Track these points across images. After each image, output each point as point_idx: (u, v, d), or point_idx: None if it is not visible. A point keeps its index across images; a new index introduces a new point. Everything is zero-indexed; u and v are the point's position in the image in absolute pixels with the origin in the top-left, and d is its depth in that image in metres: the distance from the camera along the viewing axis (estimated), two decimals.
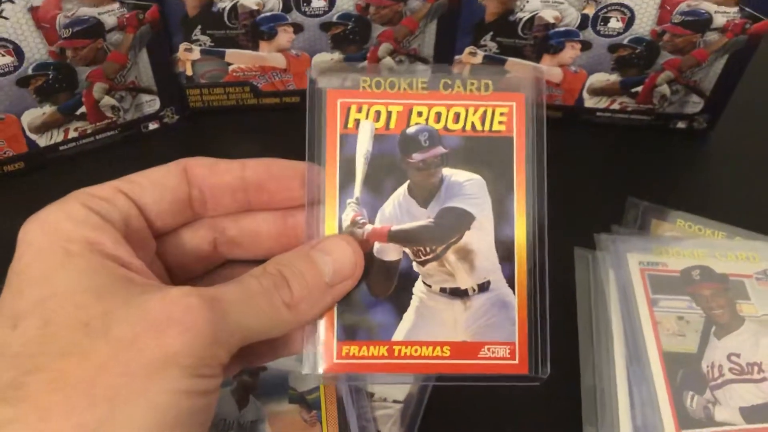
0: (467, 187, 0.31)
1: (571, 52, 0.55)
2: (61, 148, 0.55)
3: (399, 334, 0.30)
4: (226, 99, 0.59)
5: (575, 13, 0.53)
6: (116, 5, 0.49)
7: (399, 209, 0.31)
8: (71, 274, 0.26)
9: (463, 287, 0.31)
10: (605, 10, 0.52)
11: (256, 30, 0.54)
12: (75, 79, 0.52)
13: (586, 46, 0.55)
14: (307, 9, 0.53)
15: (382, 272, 0.31)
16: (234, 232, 0.32)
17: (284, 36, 0.55)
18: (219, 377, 0.26)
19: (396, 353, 0.30)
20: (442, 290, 0.31)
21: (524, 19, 0.53)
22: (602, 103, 0.59)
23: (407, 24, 0.55)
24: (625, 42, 0.54)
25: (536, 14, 0.53)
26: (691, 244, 0.50)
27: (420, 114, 0.31)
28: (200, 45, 0.55)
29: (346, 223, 0.31)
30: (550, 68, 0.56)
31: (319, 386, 0.43)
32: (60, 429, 0.23)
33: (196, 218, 0.32)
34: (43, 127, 0.53)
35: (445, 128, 0.31)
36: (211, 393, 0.26)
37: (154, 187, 0.30)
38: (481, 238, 0.31)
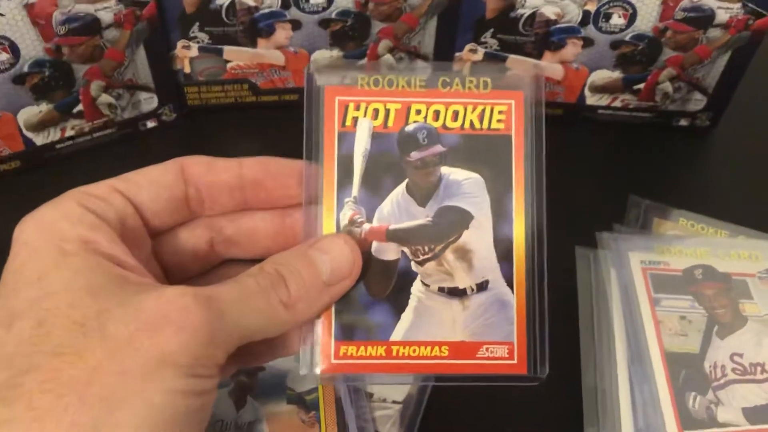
0: (466, 185, 0.31)
1: (572, 48, 0.55)
2: (58, 146, 0.54)
3: (397, 334, 0.30)
4: (225, 97, 0.59)
5: (576, 9, 0.52)
6: (113, 2, 0.49)
7: (397, 208, 0.31)
8: (66, 273, 0.26)
9: (461, 287, 0.31)
10: (607, 6, 0.52)
11: (254, 27, 0.54)
12: (72, 76, 0.51)
13: (587, 42, 0.54)
14: (305, 5, 0.53)
15: (380, 272, 0.31)
16: (231, 231, 0.32)
17: (282, 33, 0.55)
18: (215, 377, 0.26)
19: (394, 353, 0.30)
20: (441, 290, 0.31)
21: (525, 16, 0.53)
22: (604, 100, 0.59)
23: (407, 21, 0.55)
24: (627, 39, 0.54)
25: (537, 11, 0.53)
26: (693, 242, 0.50)
27: (418, 112, 0.31)
28: (198, 42, 0.55)
29: (344, 222, 0.30)
30: (551, 65, 0.56)
31: (318, 387, 0.43)
32: (54, 429, 0.23)
33: (192, 217, 0.32)
34: (39, 126, 0.53)
35: (444, 126, 0.31)
36: (207, 393, 0.26)
37: (151, 185, 0.30)
38: (479, 237, 0.31)
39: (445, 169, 0.31)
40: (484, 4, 0.52)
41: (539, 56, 0.56)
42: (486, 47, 0.55)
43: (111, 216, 0.28)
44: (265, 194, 0.32)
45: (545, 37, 0.54)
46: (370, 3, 0.53)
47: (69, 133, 0.54)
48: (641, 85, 0.57)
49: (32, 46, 0.48)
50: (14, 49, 0.48)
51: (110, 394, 0.23)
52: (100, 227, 0.27)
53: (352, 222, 0.30)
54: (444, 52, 0.56)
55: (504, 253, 0.31)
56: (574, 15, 0.53)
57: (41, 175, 0.54)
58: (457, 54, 0.56)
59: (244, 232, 0.32)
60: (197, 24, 0.54)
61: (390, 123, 0.31)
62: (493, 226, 0.31)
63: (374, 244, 0.31)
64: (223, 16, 0.53)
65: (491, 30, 0.54)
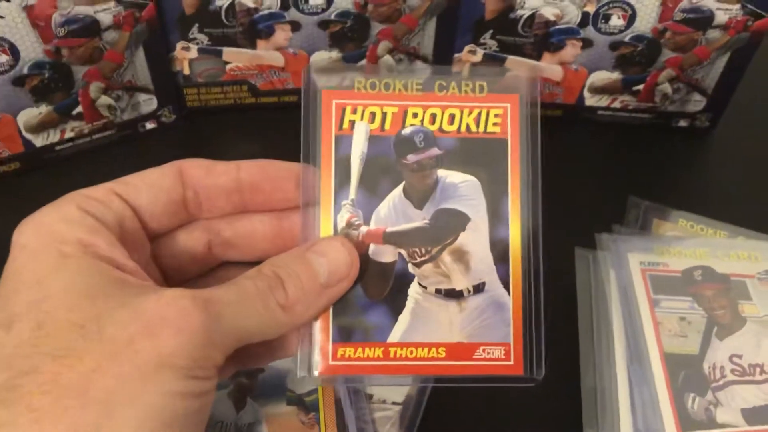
0: (462, 188, 0.31)
1: (571, 50, 0.55)
2: (57, 148, 0.55)
3: (394, 336, 0.30)
4: (224, 98, 0.59)
5: (576, 10, 0.52)
6: (112, 3, 0.49)
7: (394, 211, 0.31)
8: (65, 275, 0.26)
9: (458, 288, 0.31)
10: (606, 7, 0.52)
11: (253, 28, 0.54)
12: (71, 78, 0.51)
13: (587, 43, 0.54)
14: (305, 7, 0.53)
15: (377, 274, 0.31)
16: (229, 234, 0.32)
17: (282, 34, 0.55)
18: (214, 379, 0.26)
19: (392, 355, 0.30)
20: (438, 291, 0.31)
21: (524, 17, 0.53)
22: (603, 101, 0.59)
23: (406, 22, 0.55)
24: (626, 40, 0.54)
25: (536, 12, 0.53)
26: (692, 243, 0.50)
27: (415, 115, 0.31)
28: (197, 43, 0.55)
29: (341, 224, 0.31)
30: (550, 66, 0.56)
31: (318, 388, 0.43)
32: (53, 431, 0.23)
33: (191, 220, 0.32)
34: (39, 127, 0.53)
35: (440, 129, 0.31)
36: (205, 395, 0.26)
37: (149, 188, 0.30)
38: (476, 239, 0.31)
39: (441, 172, 0.31)
40: (483, 5, 0.53)
41: (538, 57, 0.56)
42: (485, 48, 0.55)
43: (110, 219, 0.28)
44: (262, 197, 0.32)
45: (544, 38, 0.54)
46: (370, 4, 0.54)
47: (68, 134, 0.54)
48: (640, 86, 0.57)
49: (32, 48, 0.48)
50: (14, 51, 0.48)
51: (109, 396, 0.24)
52: (99, 230, 0.27)
53: (349, 224, 0.31)
54: (443, 54, 0.56)
55: (500, 255, 0.31)
56: (573, 16, 0.53)
57: (41, 177, 0.54)
58: (456, 55, 0.56)
59: (242, 235, 0.32)
60: (196, 25, 0.54)
61: (387, 126, 0.31)
62: (489, 229, 0.31)
63: (371, 247, 0.31)
64: (223, 17, 0.53)
65: (490, 31, 0.54)
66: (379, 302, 0.30)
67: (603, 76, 0.57)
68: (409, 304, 0.31)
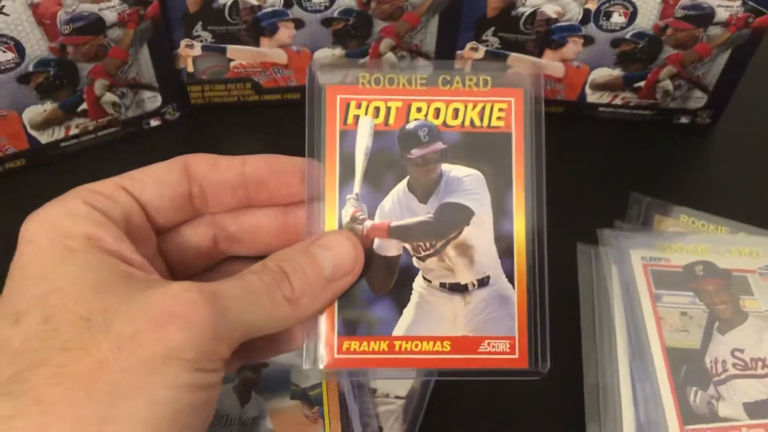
0: (466, 182, 0.31)
1: (573, 47, 0.55)
2: (62, 144, 0.55)
3: (399, 329, 0.30)
4: (228, 95, 0.59)
5: (577, 7, 0.53)
6: (117, 1, 0.49)
7: (398, 205, 0.31)
8: (72, 270, 0.26)
9: (462, 282, 0.31)
10: (607, 4, 0.52)
11: (257, 26, 0.54)
12: (76, 75, 0.52)
13: (588, 41, 0.54)
14: (308, 5, 0.53)
15: (382, 268, 0.31)
16: (234, 229, 0.32)
17: (285, 32, 0.55)
18: (220, 372, 0.26)
19: (396, 348, 0.30)
20: (442, 285, 0.31)
21: (526, 14, 0.53)
22: (605, 98, 0.59)
23: (409, 19, 0.55)
24: (627, 37, 0.54)
25: (538, 9, 0.53)
26: (694, 239, 0.50)
27: (419, 110, 0.31)
28: (201, 41, 0.55)
29: (345, 218, 0.31)
30: (552, 63, 0.56)
31: (322, 382, 0.43)
32: (60, 424, 0.23)
33: (196, 215, 0.32)
34: (44, 124, 0.53)
35: (444, 124, 0.31)
36: (212, 388, 0.26)
37: (155, 183, 0.30)
38: (480, 233, 0.31)
39: (445, 166, 0.31)
40: (485, 2, 0.53)
41: (540, 54, 0.56)
42: (487, 45, 0.55)
43: (116, 213, 0.28)
44: (268, 192, 0.32)
45: (546, 35, 0.54)
46: (372, 2, 0.54)
47: (73, 131, 0.55)
48: (642, 83, 0.57)
49: (37, 46, 0.49)
50: (19, 49, 0.48)
51: (116, 388, 0.24)
52: (105, 224, 0.27)
53: (354, 219, 0.31)
54: (445, 51, 0.56)
55: (505, 249, 0.31)
56: (574, 13, 0.53)
57: (46, 174, 0.54)
58: (458, 52, 0.56)
59: (248, 230, 0.32)
60: (200, 23, 0.54)
61: (391, 121, 0.31)
62: (493, 223, 0.31)
63: (376, 241, 0.31)
64: (227, 15, 0.54)
65: (492, 28, 0.54)
66: (383, 296, 0.31)
67: (604, 73, 0.57)
68: (414, 298, 0.31)
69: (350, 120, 0.31)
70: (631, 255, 0.48)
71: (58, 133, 0.54)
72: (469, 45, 0.55)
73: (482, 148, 0.31)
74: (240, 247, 0.33)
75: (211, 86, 0.58)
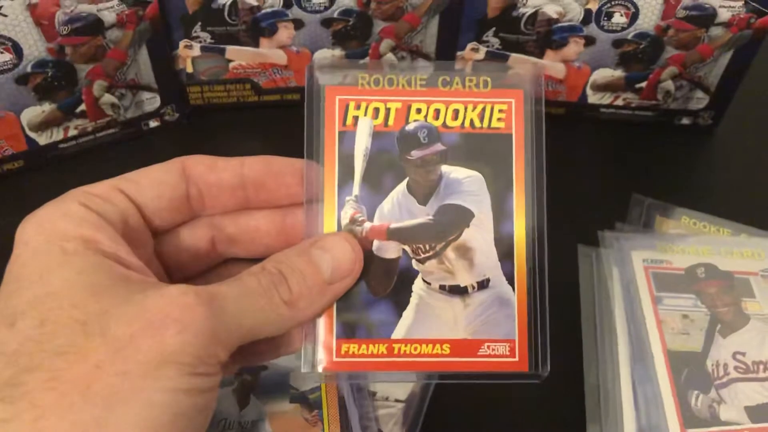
0: (466, 184, 0.31)
1: (574, 47, 0.55)
2: (60, 146, 0.55)
3: (399, 332, 0.30)
4: (227, 96, 0.59)
5: (578, 8, 0.52)
6: (115, 2, 0.49)
7: (398, 206, 0.31)
8: (68, 272, 0.26)
9: (462, 285, 0.31)
10: (609, 5, 0.52)
11: (256, 26, 0.54)
12: (74, 76, 0.51)
13: (589, 41, 0.54)
14: (307, 5, 0.53)
15: (381, 270, 0.31)
16: (232, 230, 0.32)
17: (285, 32, 0.55)
18: (217, 375, 0.26)
19: (396, 351, 0.30)
20: (442, 288, 0.31)
21: (527, 15, 0.53)
22: (606, 99, 0.58)
23: (409, 20, 0.55)
24: (629, 37, 0.54)
25: (539, 9, 0.53)
26: (695, 241, 0.50)
27: (419, 111, 0.31)
28: (200, 42, 0.55)
29: (345, 220, 0.31)
30: (553, 64, 0.56)
31: (321, 385, 0.43)
32: (56, 427, 0.23)
33: (194, 216, 0.32)
34: (42, 126, 0.53)
35: (444, 125, 0.31)
36: (209, 391, 0.26)
37: (153, 185, 0.30)
38: (480, 235, 0.31)
39: (445, 168, 0.31)
40: (485, 3, 0.52)
41: (541, 55, 0.55)
42: (488, 46, 0.55)
43: (113, 215, 0.28)
44: (266, 193, 0.32)
45: (547, 35, 0.54)
46: (372, 2, 0.53)
47: (72, 132, 0.54)
48: (643, 84, 0.57)
49: (35, 47, 0.49)
50: (17, 50, 0.48)
51: (113, 392, 0.24)
52: (102, 226, 0.27)
53: (353, 221, 0.31)
54: (446, 51, 0.56)
55: (505, 251, 0.31)
56: (576, 14, 0.53)
57: (44, 175, 0.54)
58: (459, 53, 0.56)
59: (246, 231, 0.32)
60: (199, 24, 0.54)
61: (390, 122, 0.31)
62: (493, 224, 0.31)
63: (375, 243, 0.31)
64: (226, 15, 0.53)
65: (493, 29, 0.54)
66: (383, 298, 0.30)
67: (606, 74, 0.57)
68: (413, 300, 0.31)
69: (349, 121, 0.31)
70: (632, 257, 0.48)
71: (57, 134, 0.54)
72: (469, 46, 0.55)
73: (482, 150, 0.31)
74: (238, 249, 0.33)
75: (210, 87, 0.58)
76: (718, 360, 0.44)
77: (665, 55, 0.55)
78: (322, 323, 0.30)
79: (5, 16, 0.46)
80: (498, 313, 0.31)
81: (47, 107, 0.52)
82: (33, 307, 0.25)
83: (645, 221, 0.53)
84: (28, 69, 0.49)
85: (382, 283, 0.31)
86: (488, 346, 0.30)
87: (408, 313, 0.30)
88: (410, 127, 0.31)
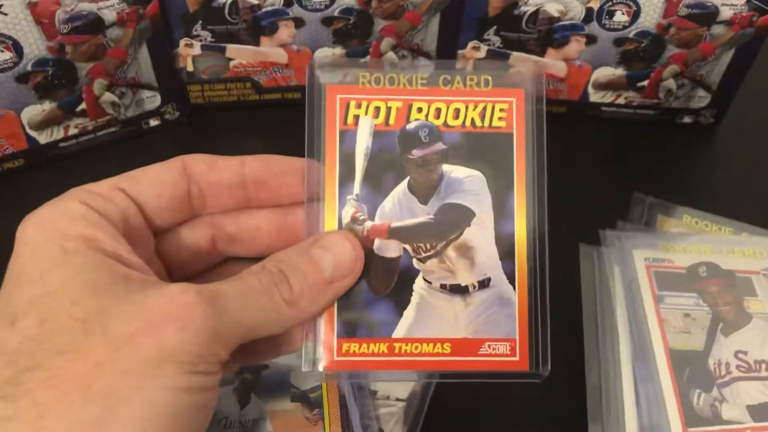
0: (467, 183, 0.31)
1: (576, 46, 0.55)
2: (61, 144, 0.55)
3: (399, 331, 0.30)
4: (228, 95, 0.59)
5: (580, 6, 0.52)
6: (116, 0, 0.49)
7: (399, 206, 0.31)
8: (68, 271, 0.26)
9: (463, 284, 0.31)
10: (610, 3, 0.52)
11: (257, 25, 0.54)
12: (75, 75, 0.51)
13: (591, 40, 0.54)
14: (308, 3, 0.53)
15: (382, 269, 0.31)
16: (233, 229, 0.32)
17: (285, 31, 0.55)
18: (218, 374, 0.26)
19: (396, 350, 0.30)
20: (443, 287, 0.31)
21: (528, 13, 0.53)
22: (607, 97, 0.58)
23: (410, 18, 0.55)
24: (630, 36, 0.54)
25: (540, 8, 0.53)
26: (697, 240, 0.50)
27: (420, 110, 0.31)
28: (201, 40, 0.55)
29: (345, 219, 0.30)
30: (554, 63, 0.56)
31: (322, 384, 0.43)
32: (56, 426, 0.23)
33: (195, 215, 0.32)
34: (43, 124, 0.53)
35: (445, 124, 0.31)
36: (209, 390, 0.26)
37: (153, 184, 0.30)
38: (481, 234, 0.31)
39: (446, 167, 0.31)
40: (487, 1, 0.52)
41: (542, 53, 0.55)
42: (489, 45, 0.55)
43: (113, 214, 0.28)
44: (267, 192, 0.32)
45: (548, 34, 0.54)
46: (373, 1, 0.53)
47: (72, 131, 0.54)
48: (645, 82, 0.57)
49: (35, 45, 0.48)
50: (17, 48, 0.48)
51: (113, 391, 0.24)
52: (102, 225, 0.27)
53: (354, 219, 0.30)
54: (447, 50, 0.56)
55: (506, 251, 0.31)
56: (577, 12, 0.53)
57: (44, 174, 0.54)
58: (460, 51, 0.56)
59: (247, 230, 0.32)
60: (200, 22, 0.54)
61: (391, 121, 0.31)
62: (494, 224, 0.31)
63: (376, 242, 0.31)
64: (226, 14, 0.53)
65: (494, 27, 0.54)
66: (383, 297, 0.30)
67: (607, 72, 0.57)
68: (414, 299, 0.31)
69: (350, 120, 0.31)
70: (634, 256, 0.48)
71: (57, 133, 0.54)
72: (470, 44, 0.55)
73: (483, 149, 0.31)
74: (239, 248, 0.33)
75: (210, 86, 0.58)
76: (720, 359, 0.44)
77: (667, 54, 0.55)
78: (322, 322, 0.30)
79: (6, 14, 0.46)
80: (499, 312, 0.30)
81: (47, 106, 0.52)
82: (33, 306, 0.25)
83: (646, 220, 0.53)
84: (29, 67, 0.49)
85: (383, 282, 0.30)
86: (489, 346, 0.30)
87: (409, 312, 0.30)
88: (411, 126, 0.31)
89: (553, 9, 0.53)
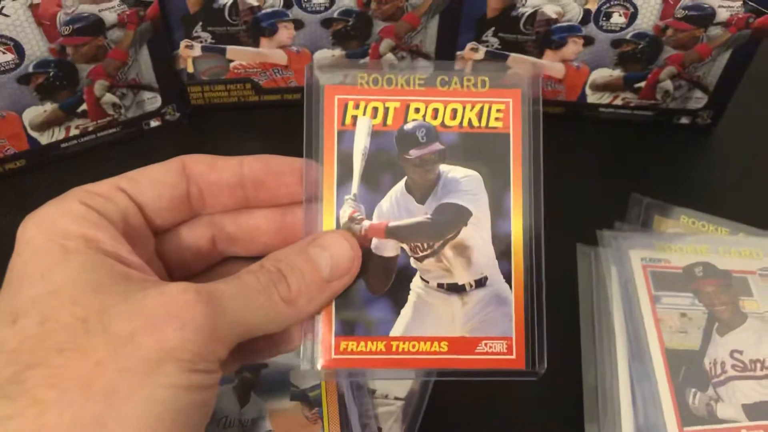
0: (464, 183, 0.31)
1: (573, 47, 0.55)
2: (62, 145, 0.55)
3: (397, 330, 0.30)
4: (228, 96, 0.59)
5: (577, 8, 0.53)
6: (116, 2, 0.49)
7: (396, 205, 0.31)
8: (69, 270, 0.26)
9: (460, 283, 0.31)
10: (608, 5, 0.52)
11: (257, 26, 0.54)
12: (76, 76, 0.52)
13: (588, 41, 0.54)
14: (307, 5, 0.53)
15: (379, 268, 0.31)
16: (232, 229, 0.32)
17: (285, 32, 0.55)
18: (217, 373, 0.26)
19: (394, 348, 0.30)
20: (440, 286, 0.31)
21: (526, 15, 0.53)
22: (605, 98, 0.59)
23: (409, 20, 0.55)
24: (627, 37, 0.54)
25: (538, 9, 0.53)
26: (693, 240, 0.50)
27: (417, 110, 0.31)
28: (201, 42, 0.55)
29: (343, 219, 0.31)
30: (552, 64, 0.56)
31: (321, 383, 0.43)
32: (57, 424, 0.23)
33: (194, 215, 0.32)
34: (44, 125, 0.53)
35: (443, 124, 0.31)
36: (209, 388, 0.26)
37: (153, 184, 0.30)
38: (478, 233, 0.31)
39: (443, 167, 0.31)
40: (485, 3, 0.53)
41: (540, 55, 0.56)
42: (487, 46, 0.55)
43: (114, 214, 0.28)
44: (265, 192, 0.32)
45: (546, 35, 0.54)
46: (372, 2, 0.54)
47: (73, 132, 0.55)
48: (642, 84, 0.57)
49: (37, 47, 0.49)
50: (19, 50, 0.48)
51: (113, 389, 0.24)
52: (102, 225, 0.27)
53: (351, 219, 0.31)
54: (445, 51, 0.56)
55: (502, 250, 0.31)
56: (575, 14, 0.53)
57: (46, 175, 0.54)
58: (458, 53, 0.56)
59: (246, 230, 0.32)
60: (200, 24, 0.54)
61: (389, 121, 0.31)
62: (491, 223, 0.31)
63: (374, 241, 0.31)
64: (226, 15, 0.54)
65: (492, 29, 0.54)
66: (381, 296, 0.31)
67: (604, 74, 0.57)
68: (412, 298, 0.31)
69: (348, 120, 0.31)
70: (630, 256, 0.48)
71: (58, 133, 0.54)
72: (469, 45, 0.55)
73: (480, 149, 0.31)
74: (238, 248, 0.33)
75: (211, 87, 0.58)
76: (715, 358, 0.45)
77: (664, 55, 0.55)
78: (320, 321, 0.30)
79: (7, 16, 0.46)
80: (495, 311, 0.31)
81: (49, 107, 0.52)
82: (34, 305, 0.25)
83: (643, 220, 0.53)
84: (30, 69, 0.49)
85: (381, 281, 0.31)
86: (486, 344, 0.30)
87: (406, 311, 0.31)
88: (409, 126, 0.31)
89: (550, 10, 0.53)
